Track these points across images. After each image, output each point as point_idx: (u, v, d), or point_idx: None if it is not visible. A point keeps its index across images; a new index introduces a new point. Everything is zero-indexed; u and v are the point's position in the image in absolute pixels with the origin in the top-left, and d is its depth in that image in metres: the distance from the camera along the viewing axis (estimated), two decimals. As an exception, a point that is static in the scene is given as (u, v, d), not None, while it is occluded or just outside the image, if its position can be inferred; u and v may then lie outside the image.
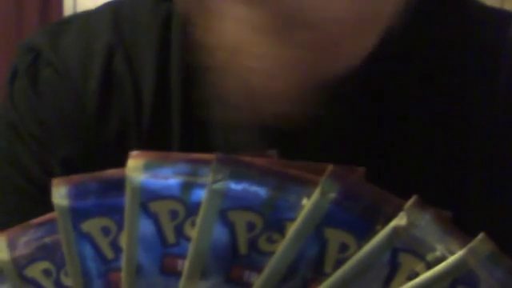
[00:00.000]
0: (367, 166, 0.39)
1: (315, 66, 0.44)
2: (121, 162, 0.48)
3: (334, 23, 0.42)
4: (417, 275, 0.36)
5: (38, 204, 0.48)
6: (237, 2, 0.43)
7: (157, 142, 0.49)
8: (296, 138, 0.46)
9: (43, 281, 0.41)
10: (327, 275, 0.37)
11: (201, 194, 0.38)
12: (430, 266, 0.36)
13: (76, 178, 0.40)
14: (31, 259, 0.41)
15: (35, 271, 0.41)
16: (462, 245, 0.36)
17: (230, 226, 0.38)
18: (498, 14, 0.53)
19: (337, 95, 0.47)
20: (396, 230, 0.36)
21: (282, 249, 0.37)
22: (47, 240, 0.41)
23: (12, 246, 0.41)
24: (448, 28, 0.50)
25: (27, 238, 0.41)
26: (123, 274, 0.39)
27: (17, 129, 0.51)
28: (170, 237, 0.39)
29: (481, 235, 0.36)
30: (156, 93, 0.50)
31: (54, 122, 0.50)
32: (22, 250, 0.41)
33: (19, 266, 0.41)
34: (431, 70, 0.49)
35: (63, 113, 0.50)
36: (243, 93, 0.44)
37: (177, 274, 0.39)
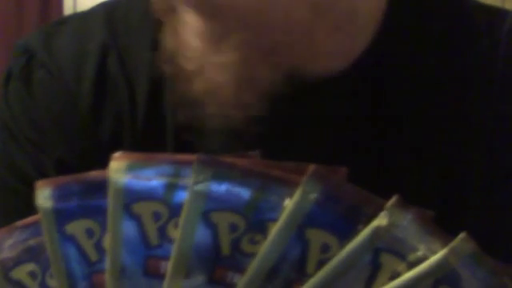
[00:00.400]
0: (363, 168, 0.39)
1: (259, 67, 0.44)
2: None
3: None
4: (399, 275, 0.36)
5: (33, 206, 0.48)
6: (187, 6, 0.43)
7: (151, 142, 0.49)
8: (279, 139, 0.46)
9: (29, 283, 0.41)
10: (309, 276, 0.37)
11: (184, 196, 0.38)
12: (411, 266, 0.36)
13: (59, 179, 0.40)
14: (17, 261, 0.41)
15: (21, 273, 0.41)
16: (444, 244, 0.36)
17: (213, 228, 0.38)
18: (495, 12, 0.53)
19: (324, 94, 0.47)
20: (377, 230, 0.36)
21: (264, 250, 0.37)
22: (32, 242, 0.41)
23: (-2, 248, 0.42)
24: (444, 26, 0.50)
25: (12, 241, 0.42)
26: (107, 276, 0.39)
27: (11, 130, 0.51)
28: (154, 238, 0.39)
29: (462, 234, 0.36)
30: (149, 93, 0.50)
31: (47, 124, 0.50)
32: (8, 252, 0.42)
33: (5, 268, 0.41)
34: (428, 69, 0.49)
35: (57, 114, 0.50)
36: (205, 98, 0.45)
37: (160, 276, 0.39)
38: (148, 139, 0.49)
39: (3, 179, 0.51)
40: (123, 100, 0.50)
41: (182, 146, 0.49)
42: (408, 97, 0.48)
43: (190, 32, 0.47)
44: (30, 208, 0.48)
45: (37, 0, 1.97)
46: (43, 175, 0.49)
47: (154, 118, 0.50)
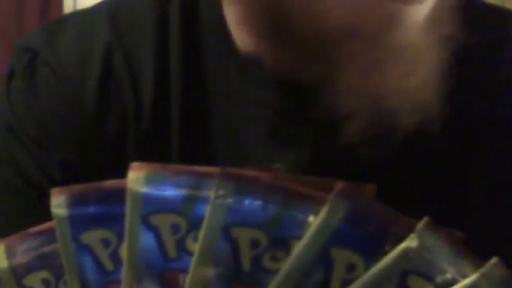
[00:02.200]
0: (389, 185, 0.38)
1: None
2: (119, 163, 0.47)
3: None
4: (426, 298, 0.35)
5: (37, 206, 0.47)
6: None
7: (156, 142, 0.49)
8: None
9: (42, 290, 0.40)
10: (333, 296, 0.36)
11: (204, 209, 0.37)
12: (439, 289, 0.35)
13: (75, 187, 0.39)
14: (30, 268, 0.40)
15: (34, 280, 0.40)
16: (475, 268, 0.35)
17: (234, 243, 0.36)
18: (500, 13, 0.52)
19: None
20: (406, 252, 0.35)
21: (286, 267, 0.36)
22: (46, 249, 0.40)
23: (10, 254, 0.41)
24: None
25: (26, 247, 0.41)
26: (123, 287, 0.38)
27: (14, 130, 0.50)
28: (172, 251, 0.38)
29: (494, 259, 0.35)
30: (155, 92, 0.49)
31: (51, 123, 0.49)
32: (21, 258, 0.41)
33: (18, 274, 0.41)
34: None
35: (61, 113, 0.49)
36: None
37: (178, 289, 0.37)
38: (153, 139, 0.49)
39: (6, 179, 0.50)
40: (128, 99, 0.49)
41: (187, 146, 0.48)
42: None
43: None
44: (33, 208, 0.47)
45: (37, 0, 1.95)
46: (47, 175, 0.49)
47: (160, 117, 0.49)
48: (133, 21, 0.51)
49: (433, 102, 0.44)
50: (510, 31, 0.50)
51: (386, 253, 0.35)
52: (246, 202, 0.36)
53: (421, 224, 0.35)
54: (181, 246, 0.37)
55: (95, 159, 0.48)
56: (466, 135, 0.48)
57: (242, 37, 0.49)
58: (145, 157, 0.48)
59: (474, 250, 0.35)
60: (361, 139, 0.44)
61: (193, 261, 0.37)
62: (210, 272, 0.37)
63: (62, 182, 0.47)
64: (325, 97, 0.44)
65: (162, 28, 0.50)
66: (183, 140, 0.48)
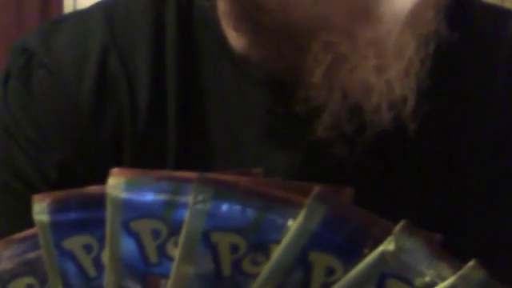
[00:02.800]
0: (367, 187, 0.38)
1: None
2: (116, 164, 0.47)
3: None
4: (405, 301, 0.35)
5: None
6: None
7: (152, 142, 0.49)
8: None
9: (27, 296, 0.41)
10: (313, 299, 0.36)
11: (183, 214, 0.37)
12: (418, 292, 0.35)
13: (57, 193, 0.39)
14: (15, 274, 0.41)
15: (19, 286, 0.41)
16: (453, 270, 0.35)
17: (213, 248, 0.37)
18: (498, 12, 0.51)
19: None
20: (384, 255, 0.35)
21: (266, 271, 0.36)
22: (31, 255, 0.40)
23: (-5, 260, 0.41)
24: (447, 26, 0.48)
25: (10, 253, 0.41)
26: (106, 293, 0.38)
27: (10, 131, 0.50)
28: (153, 256, 0.38)
29: (472, 261, 0.34)
30: (151, 92, 0.49)
31: (47, 124, 0.50)
32: (6, 264, 0.41)
33: (2, 280, 0.41)
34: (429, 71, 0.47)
35: (57, 114, 0.49)
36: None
37: (160, 294, 0.38)
38: (149, 139, 0.49)
39: (3, 180, 0.51)
40: (124, 100, 0.49)
41: (184, 146, 0.48)
42: None
43: None
44: (30, 209, 0.47)
45: (37, 0, 1.95)
46: (43, 176, 0.49)
47: (156, 117, 0.49)
48: (129, 21, 0.51)
49: (407, 98, 0.44)
50: (508, 30, 0.50)
51: (364, 256, 0.35)
52: (225, 206, 0.36)
53: (398, 227, 0.35)
54: (162, 252, 0.38)
55: (92, 160, 0.48)
56: (450, 134, 0.48)
57: (230, 33, 0.49)
58: (141, 157, 0.48)
59: (461, 252, 0.35)
60: (331, 136, 0.44)
61: (173, 266, 0.37)
62: (191, 275, 0.37)
63: (59, 183, 0.48)
64: (300, 91, 0.44)
65: (158, 28, 0.50)
66: (179, 140, 0.48)
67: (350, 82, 0.43)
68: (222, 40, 0.49)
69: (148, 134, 0.49)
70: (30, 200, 0.49)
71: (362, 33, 0.42)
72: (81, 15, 0.53)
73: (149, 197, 0.37)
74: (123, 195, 0.37)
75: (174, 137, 0.48)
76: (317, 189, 0.35)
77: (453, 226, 0.45)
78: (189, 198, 0.37)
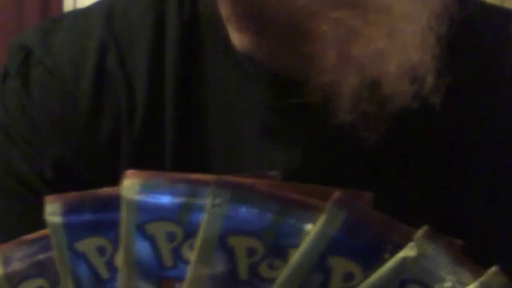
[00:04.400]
0: (386, 192, 0.37)
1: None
2: (113, 163, 0.47)
3: None
4: (425, 307, 0.35)
5: (30, 207, 0.47)
6: None
7: (149, 142, 0.48)
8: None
9: (38, 298, 0.40)
10: (331, 305, 0.35)
11: (199, 217, 0.36)
12: (439, 298, 0.35)
13: (69, 195, 0.39)
14: (25, 276, 0.40)
15: (29, 288, 0.40)
16: (474, 276, 0.34)
17: (230, 251, 0.36)
18: (498, 12, 0.51)
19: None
20: (405, 261, 0.34)
21: (284, 276, 0.36)
22: (41, 257, 0.40)
23: (6, 261, 0.40)
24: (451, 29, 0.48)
25: (21, 254, 0.40)
26: (119, 296, 0.38)
27: (7, 130, 0.50)
28: (168, 259, 0.37)
29: (494, 268, 0.34)
30: (149, 92, 0.48)
31: (45, 123, 0.49)
32: (16, 265, 0.40)
33: (13, 282, 0.40)
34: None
35: (54, 113, 0.49)
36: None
37: (174, 298, 0.37)
38: (147, 138, 0.48)
39: (0, 179, 0.50)
40: (122, 98, 0.48)
41: (181, 146, 0.47)
42: None
43: None
44: (27, 209, 0.46)
45: (37, 0, 1.94)
46: (40, 175, 0.48)
47: (153, 116, 0.48)
48: (128, 20, 0.50)
49: (427, 70, 0.42)
50: (509, 31, 0.49)
51: (384, 261, 0.35)
52: (243, 210, 0.36)
53: (419, 232, 0.34)
54: (177, 255, 0.37)
55: (89, 158, 0.48)
56: (466, 139, 0.47)
57: (233, 33, 0.48)
58: (139, 156, 0.48)
59: (476, 254, 0.35)
60: (354, 118, 0.42)
61: (190, 269, 0.37)
62: (207, 279, 0.36)
63: (56, 182, 0.48)
64: (312, 82, 0.43)
65: (158, 27, 0.49)
66: (177, 139, 0.48)
67: (366, 56, 0.41)
68: (224, 38, 0.48)
69: (146, 133, 0.48)
70: (27, 200, 0.49)
71: (370, 2, 0.41)
72: (80, 14, 0.52)
73: (164, 199, 0.37)
74: (138, 197, 0.37)
75: (171, 136, 0.48)
76: (337, 193, 0.35)
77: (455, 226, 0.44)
78: (205, 201, 0.36)
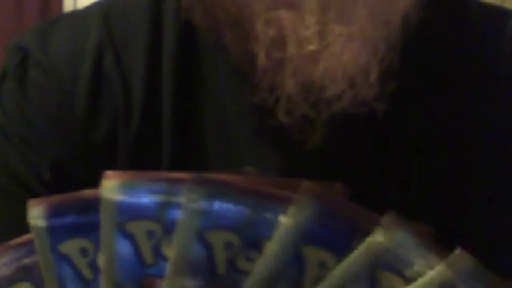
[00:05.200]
0: (360, 182, 0.38)
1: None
2: (110, 164, 0.47)
3: None
4: (396, 291, 0.36)
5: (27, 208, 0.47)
6: None
7: (147, 142, 0.48)
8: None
9: (24, 302, 0.41)
10: (306, 293, 0.37)
11: (177, 214, 0.38)
12: (409, 282, 0.36)
13: (52, 198, 0.40)
14: (12, 280, 0.41)
15: (16, 293, 0.41)
16: (442, 259, 0.36)
17: (208, 246, 0.37)
18: (497, 12, 0.52)
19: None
20: (373, 246, 0.36)
21: (259, 267, 0.37)
22: (27, 261, 0.41)
23: (-8, 267, 0.41)
24: (445, 27, 0.49)
25: (7, 259, 0.41)
26: (103, 295, 0.39)
27: (5, 131, 0.50)
28: (148, 257, 0.38)
29: (458, 250, 0.35)
30: (146, 93, 0.49)
31: (42, 124, 0.49)
32: (2, 271, 0.41)
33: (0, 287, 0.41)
34: (429, 71, 0.48)
35: (52, 114, 0.49)
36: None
37: (156, 294, 0.38)
38: (143, 139, 0.48)
39: None
40: (119, 99, 0.49)
41: (178, 147, 0.48)
42: (407, 102, 0.47)
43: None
44: (24, 210, 0.47)
45: (37, 0, 1.95)
46: (38, 176, 0.49)
47: (150, 117, 0.49)
48: (126, 21, 0.51)
49: (367, 72, 0.42)
50: (507, 30, 0.50)
51: (354, 248, 0.36)
52: (219, 205, 0.37)
53: (386, 218, 0.36)
54: (157, 252, 0.38)
55: (86, 159, 0.48)
56: (466, 135, 0.47)
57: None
58: (136, 156, 0.48)
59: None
60: (292, 120, 0.43)
61: (169, 266, 0.38)
62: (188, 282, 0.37)
63: (54, 183, 0.48)
64: (258, 83, 0.44)
65: (155, 28, 0.50)
66: (174, 140, 0.48)
67: (299, 58, 0.42)
68: (220, 41, 0.48)
69: (143, 134, 0.48)
70: (24, 201, 0.49)
71: (306, 3, 0.41)
72: (77, 15, 0.53)
73: (143, 198, 0.38)
74: (118, 197, 0.38)
75: (168, 137, 0.48)
76: (305, 184, 0.36)
77: (454, 227, 0.45)
78: (182, 199, 0.38)
